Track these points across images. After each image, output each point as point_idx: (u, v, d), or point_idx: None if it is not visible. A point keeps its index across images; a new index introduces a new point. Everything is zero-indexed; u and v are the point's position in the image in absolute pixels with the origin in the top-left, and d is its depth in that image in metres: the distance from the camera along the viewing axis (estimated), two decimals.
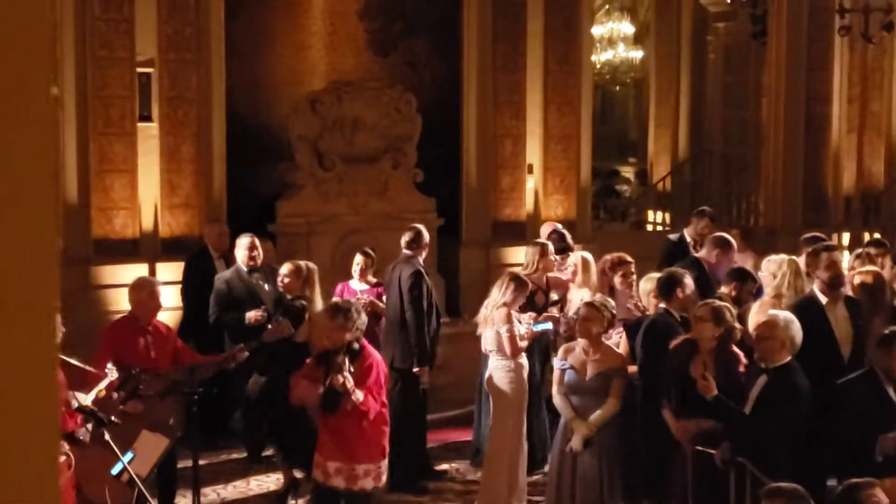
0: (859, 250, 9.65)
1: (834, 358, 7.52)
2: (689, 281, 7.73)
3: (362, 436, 7.10)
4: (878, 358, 6.61)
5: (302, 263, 9.01)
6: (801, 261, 8.84)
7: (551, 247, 9.67)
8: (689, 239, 10.79)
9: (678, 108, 17.42)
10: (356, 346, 7.05)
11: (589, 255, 9.52)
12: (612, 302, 7.82)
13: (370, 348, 7.28)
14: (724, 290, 8.09)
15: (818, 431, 7.04)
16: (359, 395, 6.92)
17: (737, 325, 6.97)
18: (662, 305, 7.78)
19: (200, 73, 10.87)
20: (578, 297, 8.93)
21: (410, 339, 8.96)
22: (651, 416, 7.47)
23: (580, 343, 7.64)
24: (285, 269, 8.89)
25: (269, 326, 8.91)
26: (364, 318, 7.23)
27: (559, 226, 10.72)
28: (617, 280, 8.48)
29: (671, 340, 7.24)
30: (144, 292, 8.02)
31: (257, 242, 9.63)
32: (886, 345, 6.56)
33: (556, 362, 7.74)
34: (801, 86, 13.81)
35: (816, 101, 13.87)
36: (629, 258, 8.72)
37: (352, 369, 6.93)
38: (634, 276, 8.61)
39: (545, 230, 10.50)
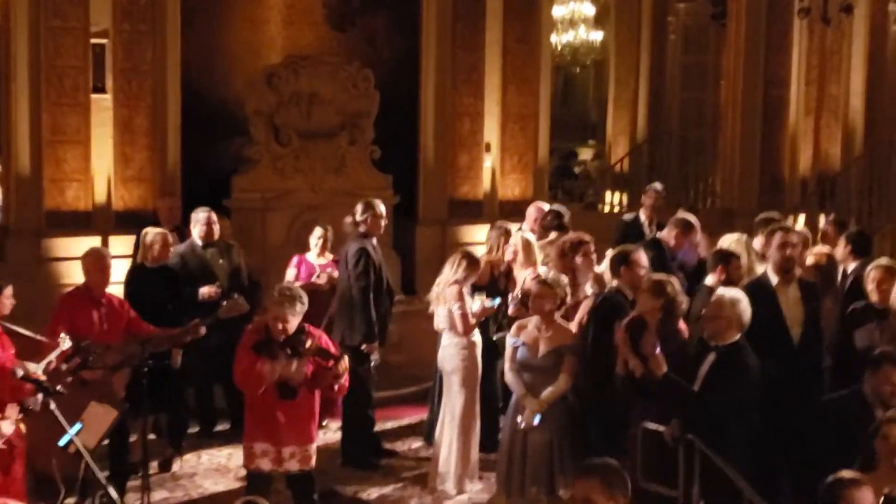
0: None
1: (782, 340, 7.53)
2: (638, 258, 7.70)
3: (312, 416, 7.08)
4: (867, 378, 6.30)
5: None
6: (758, 242, 8.88)
7: (514, 230, 9.66)
8: (643, 219, 10.83)
9: (637, 89, 17.44)
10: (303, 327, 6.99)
11: (531, 236, 9.53)
12: (565, 279, 7.82)
13: (309, 326, 7.13)
14: (711, 279, 7.94)
15: (772, 417, 7.09)
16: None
17: (680, 297, 6.98)
18: (615, 283, 7.79)
19: (155, 45, 10.77)
20: (522, 277, 8.95)
21: (357, 315, 8.91)
22: (599, 393, 7.50)
23: (533, 320, 7.65)
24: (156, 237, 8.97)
25: (224, 303, 8.86)
26: None
27: (546, 205, 10.54)
28: (578, 260, 8.44)
29: (619, 318, 7.24)
30: (95, 263, 7.97)
31: (214, 217, 9.57)
32: (875, 366, 6.32)
33: (509, 339, 7.74)
34: (760, 68, 13.87)
35: (774, 83, 13.95)
36: (587, 237, 8.70)
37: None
38: (594, 255, 8.59)
39: (532, 211, 10.37)
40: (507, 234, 9.47)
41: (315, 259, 9.83)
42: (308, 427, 7.02)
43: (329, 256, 9.80)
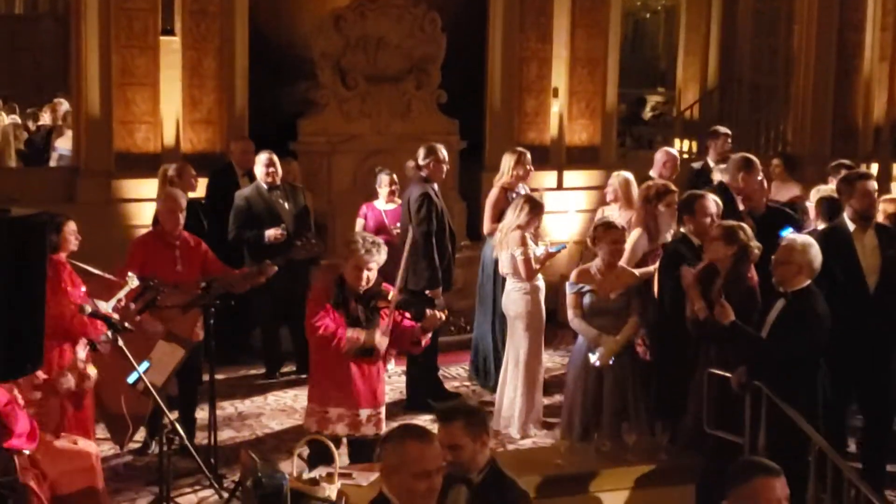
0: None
1: (859, 288, 7.41)
2: (705, 204, 7.56)
3: (381, 375, 6.82)
4: None
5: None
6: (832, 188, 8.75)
7: (528, 156, 9.61)
8: (712, 165, 10.64)
9: (708, 35, 17.14)
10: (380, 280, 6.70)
11: (630, 176, 9.43)
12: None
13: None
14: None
15: (843, 363, 7.01)
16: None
17: (753, 244, 6.88)
18: (682, 230, 7.70)
19: None
20: (624, 218, 8.82)
21: (420, 261, 8.90)
22: (666, 339, 7.45)
23: (594, 265, 7.60)
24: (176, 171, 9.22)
25: (298, 243, 8.91)
26: None
27: (674, 150, 10.28)
28: (661, 208, 8.32)
29: (684, 265, 7.16)
30: (161, 204, 8.04)
31: (275, 159, 9.60)
32: None
33: (570, 286, 7.67)
34: (834, 13, 13.56)
35: (849, 28, 13.62)
36: (674, 187, 8.55)
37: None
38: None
39: (660, 156, 10.21)
40: (521, 158, 9.47)
41: (383, 205, 9.81)
42: (380, 388, 6.74)
43: (398, 202, 9.78)
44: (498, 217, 9.08)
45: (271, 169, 9.51)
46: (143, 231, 9.86)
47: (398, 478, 4.07)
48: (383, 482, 4.16)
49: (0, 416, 5.18)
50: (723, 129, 11.08)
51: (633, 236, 8.23)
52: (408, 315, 6.63)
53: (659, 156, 10.17)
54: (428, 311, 6.62)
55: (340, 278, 6.59)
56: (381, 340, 6.53)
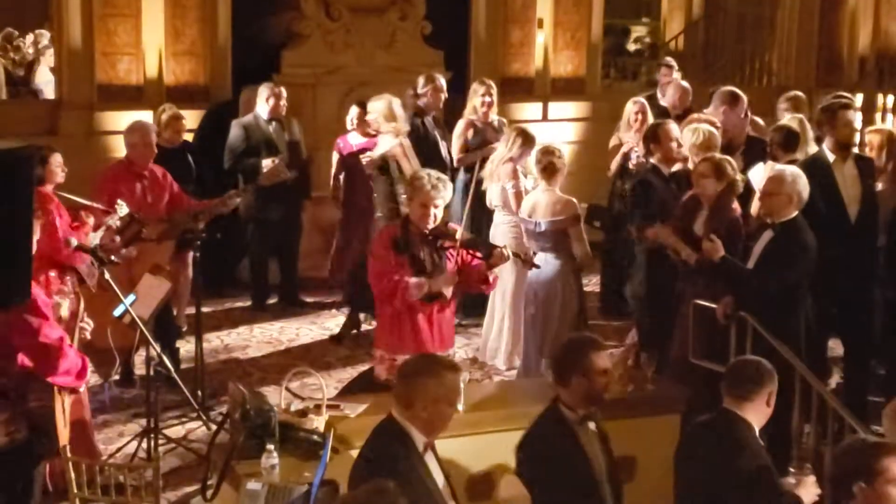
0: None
1: (840, 218, 7.44)
2: (669, 130, 7.54)
3: (452, 317, 6.61)
4: None
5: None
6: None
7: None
8: (659, 96, 10.42)
9: None
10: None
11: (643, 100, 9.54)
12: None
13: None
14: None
15: (824, 293, 7.04)
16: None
17: (738, 178, 6.89)
18: (652, 161, 7.69)
19: None
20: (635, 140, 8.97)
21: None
22: (650, 273, 7.48)
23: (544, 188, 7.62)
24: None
25: (264, 170, 8.86)
26: None
27: (686, 84, 10.16)
28: None
29: (655, 199, 7.17)
30: (138, 136, 7.98)
31: (283, 92, 9.59)
32: None
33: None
34: None
35: None
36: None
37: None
38: None
39: (671, 91, 9.95)
40: (488, 88, 9.48)
41: (355, 139, 9.70)
42: (450, 330, 6.51)
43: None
44: None
45: (281, 102, 9.49)
46: None
47: (435, 407, 4.18)
48: (403, 411, 4.24)
49: (48, 350, 5.08)
50: (669, 62, 11.11)
51: None
52: (478, 254, 6.34)
53: (670, 91, 10.05)
54: (496, 250, 6.39)
55: (405, 220, 6.34)
56: (447, 288, 6.27)
